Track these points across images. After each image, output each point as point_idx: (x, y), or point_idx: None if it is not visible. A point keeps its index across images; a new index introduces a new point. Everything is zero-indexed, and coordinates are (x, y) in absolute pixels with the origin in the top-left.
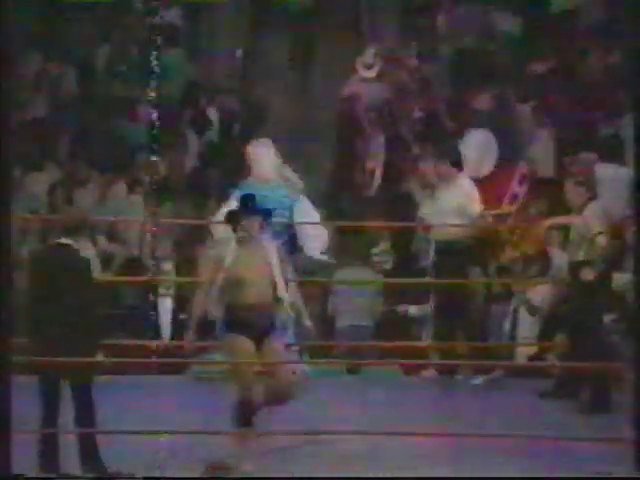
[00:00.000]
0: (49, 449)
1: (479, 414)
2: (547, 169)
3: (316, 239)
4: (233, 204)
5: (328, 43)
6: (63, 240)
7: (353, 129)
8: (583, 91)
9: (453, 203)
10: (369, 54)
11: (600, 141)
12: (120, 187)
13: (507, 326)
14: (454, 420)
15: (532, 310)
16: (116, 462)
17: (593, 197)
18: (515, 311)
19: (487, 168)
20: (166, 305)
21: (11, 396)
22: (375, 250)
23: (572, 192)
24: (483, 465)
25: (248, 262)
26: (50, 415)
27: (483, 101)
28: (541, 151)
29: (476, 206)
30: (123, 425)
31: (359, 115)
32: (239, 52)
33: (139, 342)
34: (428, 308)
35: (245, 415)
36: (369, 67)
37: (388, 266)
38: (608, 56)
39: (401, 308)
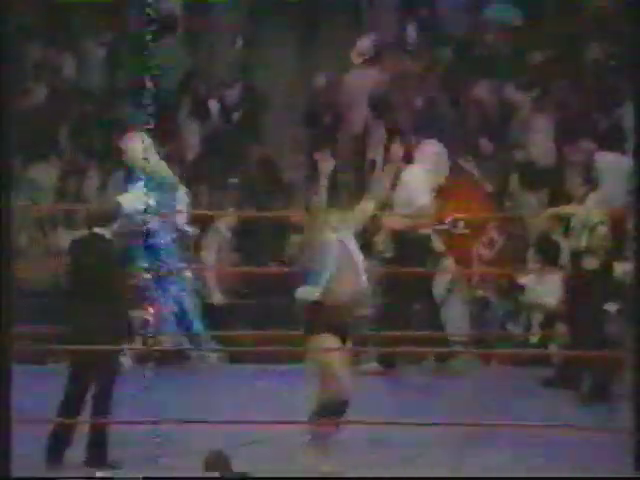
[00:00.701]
0: (61, 437)
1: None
2: (547, 158)
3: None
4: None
5: (328, 31)
6: (98, 230)
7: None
8: (583, 81)
9: (402, 193)
10: (365, 42)
11: (601, 130)
12: (119, 176)
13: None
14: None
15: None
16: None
17: (594, 186)
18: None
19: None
20: None
21: (11, 400)
22: (377, 239)
23: (573, 181)
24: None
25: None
26: (72, 403)
27: (481, 91)
28: (541, 140)
29: (425, 198)
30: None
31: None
32: (239, 41)
33: None
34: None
35: (332, 414)
36: (364, 55)
37: (389, 254)
38: (608, 45)
39: None
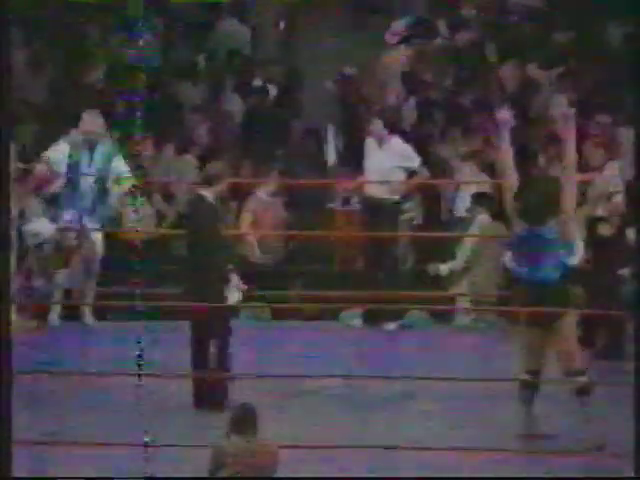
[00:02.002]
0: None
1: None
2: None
3: None
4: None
5: (363, 15)
6: (203, 192)
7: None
8: (602, 60)
9: (386, 163)
10: (400, 24)
11: (622, 105)
12: (169, 149)
13: None
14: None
15: None
16: None
17: (613, 157)
18: None
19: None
20: None
21: (11, 402)
22: (405, 205)
23: (590, 152)
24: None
25: None
26: (202, 357)
27: (507, 71)
28: (560, 115)
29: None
30: None
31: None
32: (282, 24)
33: None
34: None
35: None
36: (399, 36)
37: (418, 221)
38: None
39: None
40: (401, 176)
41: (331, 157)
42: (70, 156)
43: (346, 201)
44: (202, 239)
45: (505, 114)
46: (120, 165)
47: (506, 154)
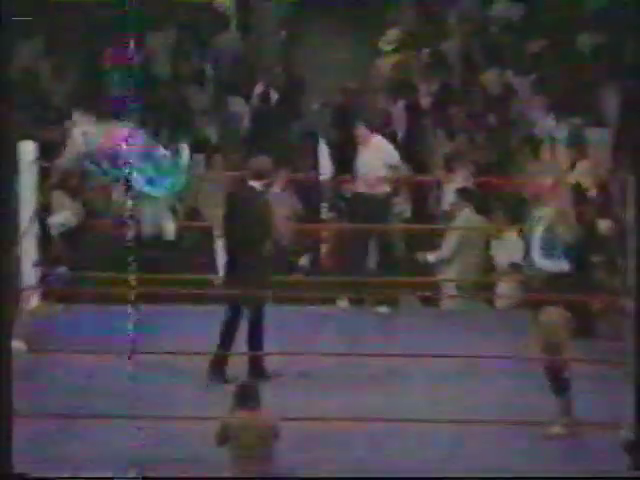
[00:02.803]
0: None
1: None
2: (542, 133)
3: None
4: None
5: (360, 23)
6: (252, 183)
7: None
8: (573, 65)
9: (372, 161)
10: (392, 34)
11: (589, 108)
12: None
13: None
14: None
15: None
16: None
17: (582, 157)
18: None
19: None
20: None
21: (12, 401)
22: (395, 200)
23: (563, 153)
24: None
25: None
26: (230, 338)
27: (489, 79)
28: (537, 117)
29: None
30: None
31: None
32: (283, 33)
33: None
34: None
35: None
36: (391, 44)
37: (407, 214)
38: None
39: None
40: (384, 172)
41: (324, 158)
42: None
43: (338, 197)
44: (257, 228)
45: None
46: None
47: None
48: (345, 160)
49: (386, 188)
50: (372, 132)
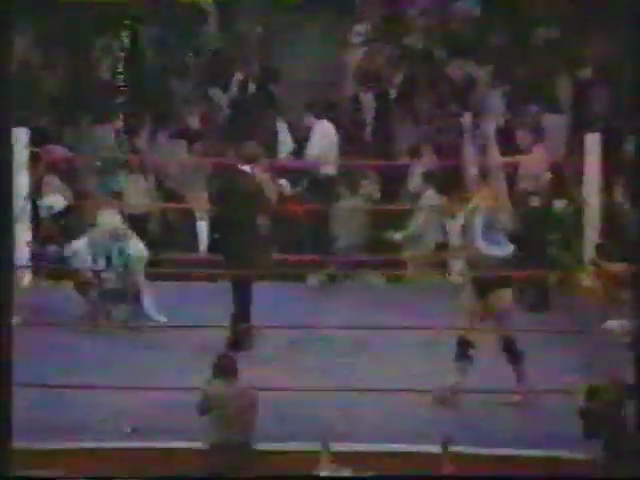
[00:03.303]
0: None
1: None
2: (500, 120)
3: None
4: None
5: (328, 20)
6: (243, 167)
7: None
8: (530, 57)
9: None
10: (361, 27)
11: (544, 96)
12: (163, 134)
13: None
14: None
15: None
16: None
17: (539, 141)
18: None
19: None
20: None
21: (12, 402)
22: (364, 182)
23: (522, 137)
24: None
25: None
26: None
27: (454, 71)
28: (496, 106)
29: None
30: None
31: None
32: (259, 28)
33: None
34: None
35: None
36: (360, 37)
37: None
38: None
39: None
40: (325, 154)
41: (284, 142)
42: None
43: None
44: (249, 209)
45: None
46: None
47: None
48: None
49: (330, 170)
50: (318, 119)
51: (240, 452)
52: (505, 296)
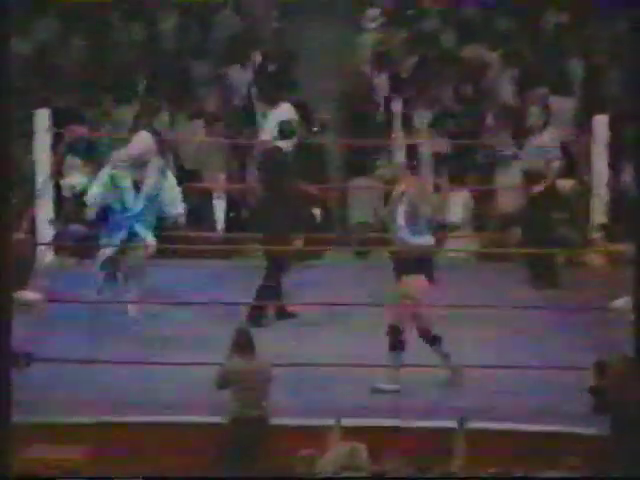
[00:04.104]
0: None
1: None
2: (510, 101)
3: None
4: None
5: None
6: (279, 144)
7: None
8: (540, 41)
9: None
10: (374, 11)
11: (553, 79)
12: (183, 116)
13: None
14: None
15: None
16: None
17: (547, 123)
18: None
19: None
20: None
21: (12, 401)
22: (379, 163)
23: (532, 118)
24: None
25: None
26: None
27: (467, 53)
28: (506, 88)
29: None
30: None
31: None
32: (275, 12)
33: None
34: None
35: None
36: (374, 21)
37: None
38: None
39: None
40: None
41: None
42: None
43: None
44: (282, 184)
45: None
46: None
47: None
48: None
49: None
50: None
51: (256, 426)
52: (415, 283)
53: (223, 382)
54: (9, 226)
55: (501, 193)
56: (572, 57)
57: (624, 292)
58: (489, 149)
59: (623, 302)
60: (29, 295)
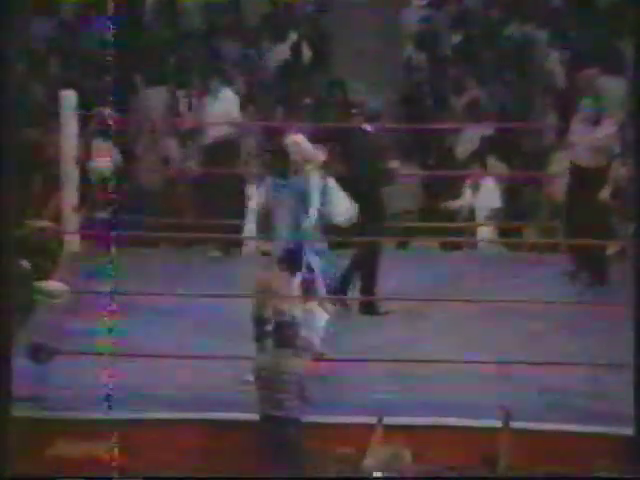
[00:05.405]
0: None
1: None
2: (561, 82)
3: None
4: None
5: None
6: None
7: None
8: (591, 20)
9: (220, 109)
10: None
11: (604, 58)
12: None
13: None
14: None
15: None
16: None
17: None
18: None
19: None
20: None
21: (11, 401)
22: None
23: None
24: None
25: None
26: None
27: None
28: (555, 68)
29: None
30: None
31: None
32: None
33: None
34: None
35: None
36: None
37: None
38: None
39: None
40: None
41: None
42: None
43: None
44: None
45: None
46: None
47: None
48: None
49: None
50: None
51: (289, 424)
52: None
53: (255, 375)
54: (9, 226)
55: (550, 181)
56: (625, 36)
57: None
58: (537, 134)
59: None
60: (54, 285)
